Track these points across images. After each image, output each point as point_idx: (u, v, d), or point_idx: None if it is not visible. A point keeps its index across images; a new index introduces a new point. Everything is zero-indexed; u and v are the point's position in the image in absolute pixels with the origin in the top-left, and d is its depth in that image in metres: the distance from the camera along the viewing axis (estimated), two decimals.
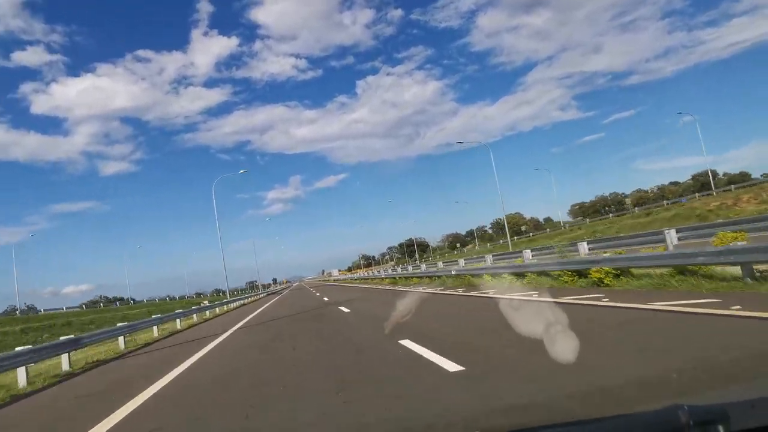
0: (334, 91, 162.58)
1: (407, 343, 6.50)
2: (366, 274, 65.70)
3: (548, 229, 78.50)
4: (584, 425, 1.33)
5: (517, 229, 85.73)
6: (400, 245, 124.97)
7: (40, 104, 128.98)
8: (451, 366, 4.71)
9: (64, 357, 9.59)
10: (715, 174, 64.70)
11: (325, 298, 23.87)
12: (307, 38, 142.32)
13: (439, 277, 22.25)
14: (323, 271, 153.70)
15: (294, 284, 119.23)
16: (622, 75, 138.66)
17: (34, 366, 9.78)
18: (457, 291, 15.37)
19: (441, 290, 17.06)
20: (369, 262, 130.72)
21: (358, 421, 3.63)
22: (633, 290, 8.84)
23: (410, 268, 36.63)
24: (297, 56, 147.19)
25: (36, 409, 6.37)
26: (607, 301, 7.83)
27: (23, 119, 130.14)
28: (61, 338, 9.75)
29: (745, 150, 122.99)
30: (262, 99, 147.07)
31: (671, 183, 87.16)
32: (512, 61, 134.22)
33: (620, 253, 10.83)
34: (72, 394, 6.96)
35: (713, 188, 55.27)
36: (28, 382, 8.29)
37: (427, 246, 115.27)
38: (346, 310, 14.68)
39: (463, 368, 4.58)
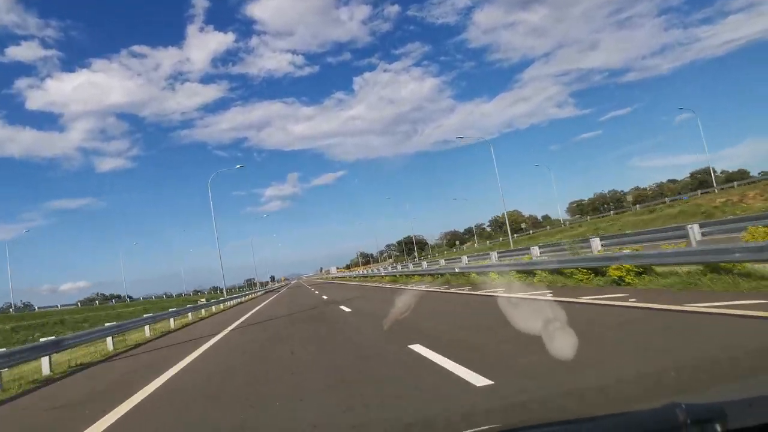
0: (331, 87, 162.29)
1: (418, 348, 5.84)
2: (365, 271, 65.04)
3: (548, 227, 77.92)
4: (581, 423, 1.31)
5: (516, 226, 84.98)
6: (399, 243, 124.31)
7: (35, 100, 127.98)
8: (476, 379, 4.03)
9: (45, 360, 8.89)
10: (712, 171, 64.15)
11: (324, 297, 23.20)
12: (303, 34, 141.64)
13: (442, 274, 21.58)
14: (321, 269, 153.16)
15: (292, 282, 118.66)
16: (619, 72, 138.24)
17: (13, 370, 9.09)
18: (462, 289, 14.70)
19: (445, 288, 16.39)
20: (367, 259, 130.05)
21: None
22: (660, 289, 8.18)
23: (411, 265, 35.97)
24: (294, 52, 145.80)
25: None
26: (634, 302, 7.16)
27: (18, 115, 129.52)
28: (41, 340, 9.04)
29: (740, 147, 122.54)
30: (259, 95, 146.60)
31: (669, 180, 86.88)
32: (509, 57, 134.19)
33: (638, 250, 10.19)
34: (46, 404, 6.27)
35: (714, 185, 54.72)
36: (3, 389, 7.61)
37: (426, 244, 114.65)
38: (346, 309, 14.01)
39: (492, 382, 3.91)
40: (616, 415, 1.29)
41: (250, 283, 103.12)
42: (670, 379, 3.27)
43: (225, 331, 12.60)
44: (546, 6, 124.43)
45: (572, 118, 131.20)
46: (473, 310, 9.94)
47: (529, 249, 17.66)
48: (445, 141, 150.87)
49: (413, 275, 27.81)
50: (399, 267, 39.64)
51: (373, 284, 32.06)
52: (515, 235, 72.14)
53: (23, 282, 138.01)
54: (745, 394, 1.28)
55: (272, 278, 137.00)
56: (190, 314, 22.11)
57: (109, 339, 12.02)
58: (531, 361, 4.33)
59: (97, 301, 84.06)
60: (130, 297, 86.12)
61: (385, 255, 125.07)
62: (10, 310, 60.42)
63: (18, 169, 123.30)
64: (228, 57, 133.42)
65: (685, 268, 8.48)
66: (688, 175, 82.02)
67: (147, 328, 15.26)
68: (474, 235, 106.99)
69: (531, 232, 77.28)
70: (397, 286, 25.08)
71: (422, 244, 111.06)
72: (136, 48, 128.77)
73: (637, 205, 64.09)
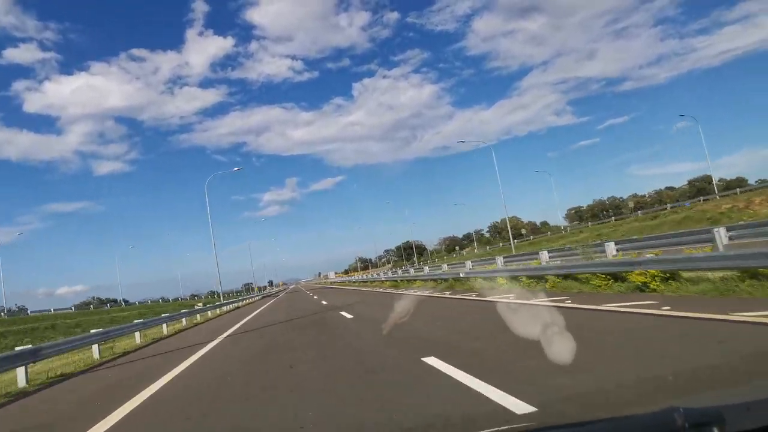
0: (330, 93, 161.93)
1: (433, 362, 5.16)
2: (364, 276, 64.26)
3: (548, 233, 77.30)
4: (582, 426, 1.31)
5: (516, 232, 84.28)
6: (398, 248, 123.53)
7: (33, 102, 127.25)
8: (515, 405, 3.34)
9: (21, 371, 8.16)
10: (710, 179, 63.86)
11: (324, 302, 22.47)
12: (303, 40, 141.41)
13: (445, 279, 20.90)
14: (320, 274, 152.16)
15: (290, 286, 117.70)
16: (616, 81, 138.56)
17: None
18: (469, 295, 14.01)
19: (450, 294, 15.70)
20: (366, 264, 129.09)
21: None
22: (693, 296, 7.51)
23: (411, 270, 35.24)
24: (293, 58, 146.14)
25: None
26: (668, 310, 6.48)
27: (16, 117, 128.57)
28: (17, 348, 8.30)
29: (737, 156, 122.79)
30: (258, 100, 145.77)
31: (667, 188, 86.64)
32: (508, 65, 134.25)
33: (658, 254, 9.55)
34: (12, 425, 5.56)
35: (716, 192, 54.31)
36: None
37: (424, 249, 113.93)
38: (348, 315, 13.29)
39: (535, 409, 3.21)
40: (616, 418, 1.32)
41: (248, 288, 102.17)
42: None
43: (218, 339, 11.88)
44: (544, 15, 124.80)
45: (570, 125, 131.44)
46: (486, 319, 9.21)
47: (535, 254, 17.02)
48: (444, 147, 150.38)
49: (415, 280, 27.12)
50: (399, 272, 38.92)
51: (373, 289, 31.33)
52: (516, 240, 71.52)
53: (20, 285, 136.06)
54: (743, 398, 1.28)
55: (270, 283, 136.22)
56: (184, 320, 21.36)
57: (95, 347, 11.27)
58: (578, 383, 3.65)
59: (92, 306, 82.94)
60: (126, 301, 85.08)
61: (384, 260, 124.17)
62: (2, 314, 59.30)
63: (15, 171, 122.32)
64: (227, 61, 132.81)
65: (718, 274, 7.83)
66: (686, 182, 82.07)
67: (137, 334, 14.50)
68: (473, 241, 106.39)
69: (531, 237, 76.70)
70: (399, 291, 24.37)
71: (421, 250, 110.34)
72: (135, 51, 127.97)
73: (639, 212, 63.54)
